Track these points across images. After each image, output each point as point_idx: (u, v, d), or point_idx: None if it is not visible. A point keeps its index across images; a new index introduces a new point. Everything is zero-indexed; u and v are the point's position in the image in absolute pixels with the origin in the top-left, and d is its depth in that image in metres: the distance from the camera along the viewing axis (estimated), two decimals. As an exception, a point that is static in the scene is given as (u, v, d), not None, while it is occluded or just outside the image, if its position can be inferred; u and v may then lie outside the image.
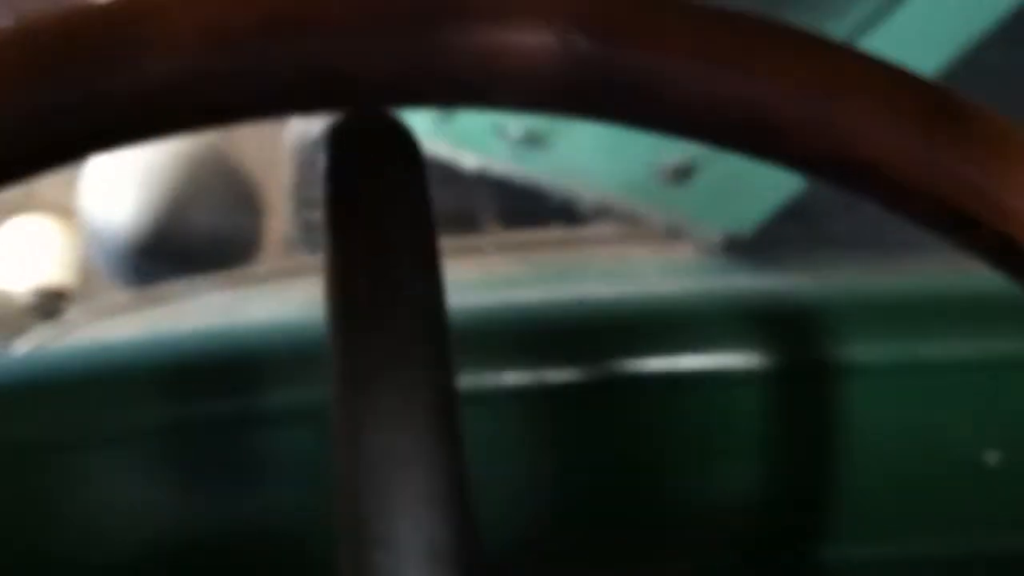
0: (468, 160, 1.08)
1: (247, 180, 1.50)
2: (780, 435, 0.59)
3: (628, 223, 0.88)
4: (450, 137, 1.13)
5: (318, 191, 1.33)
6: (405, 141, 0.36)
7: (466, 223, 1.07)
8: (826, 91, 0.25)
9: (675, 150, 0.88)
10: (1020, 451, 0.60)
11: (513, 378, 0.57)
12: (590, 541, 0.60)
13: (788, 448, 0.59)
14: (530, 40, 0.27)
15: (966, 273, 0.98)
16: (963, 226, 0.28)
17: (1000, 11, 0.80)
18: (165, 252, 1.41)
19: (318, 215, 1.45)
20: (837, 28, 0.80)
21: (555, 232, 0.91)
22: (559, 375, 0.57)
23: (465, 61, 0.27)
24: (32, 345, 0.92)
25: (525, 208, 0.99)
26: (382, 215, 0.35)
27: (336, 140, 0.37)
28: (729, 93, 0.26)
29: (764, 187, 0.81)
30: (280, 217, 1.45)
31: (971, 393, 0.60)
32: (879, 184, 0.28)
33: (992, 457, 0.59)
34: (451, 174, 1.08)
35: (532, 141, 1.03)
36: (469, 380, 0.55)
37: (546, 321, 0.60)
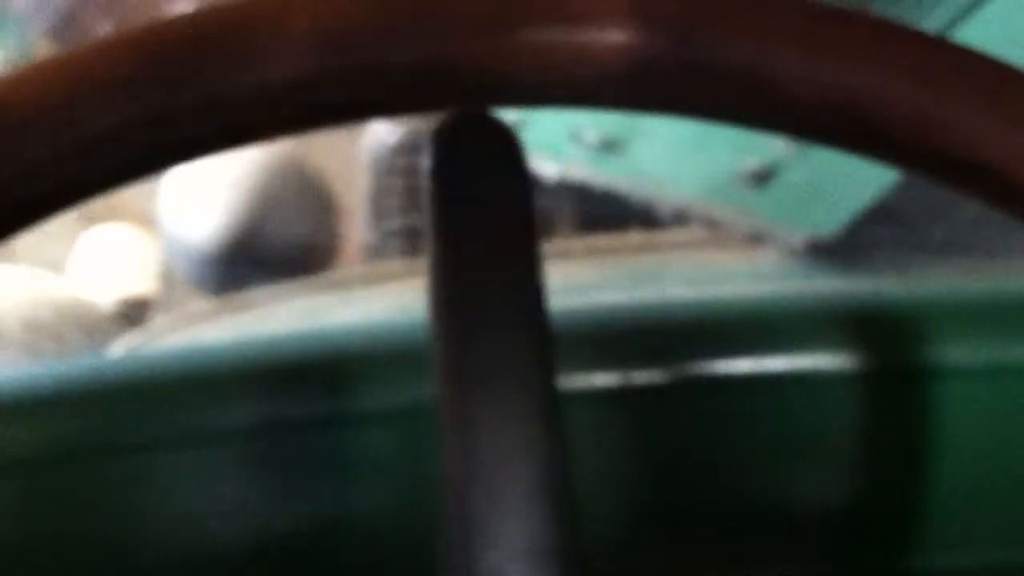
0: (546, 168, 1.08)
1: (325, 188, 1.52)
2: (867, 440, 0.59)
3: (708, 228, 0.88)
4: (527, 144, 1.13)
5: (395, 199, 1.35)
6: (509, 141, 0.37)
7: (546, 230, 1.08)
8: (938, 87, 0.25)
9: (755, 153, 0.88)
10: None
11: (599, 380, 0.57)
12: (672, 547, 0.60)
13: (875, 454, 0.59)
14: (637, 38, 0.28)
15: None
16: None
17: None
18: (246, 259, 1.43)
19: (396, 222, 1.46)
20: (927, 21, 0.80)
21: (634, 237, 0.91)
22: (643, 377, 0.57)
23: (574, 59, 0.28)
24: (121, 351, 0.94)
25: (604, 215, 0.99)
26: (487, 215, 0.36)
27: (441, 139, 0.37)
28: (841, 85, 0.26)
29: (847, 190, 0.81)
30: (358, 225, 1.47)
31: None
32: (991, 185, 0.27)
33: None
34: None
35: (609, 146, 1.03)
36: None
37: (630, 322, 0.60)
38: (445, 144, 0.37)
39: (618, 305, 0.60)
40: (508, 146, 0.37)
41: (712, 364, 0.57)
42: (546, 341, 0.36)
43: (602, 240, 0.94)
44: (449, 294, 0.36)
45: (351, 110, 0.29)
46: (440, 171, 0.37)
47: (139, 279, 1.63)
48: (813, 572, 0.59)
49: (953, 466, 0.58)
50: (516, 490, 0.33)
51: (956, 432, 0.58)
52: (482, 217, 0.36)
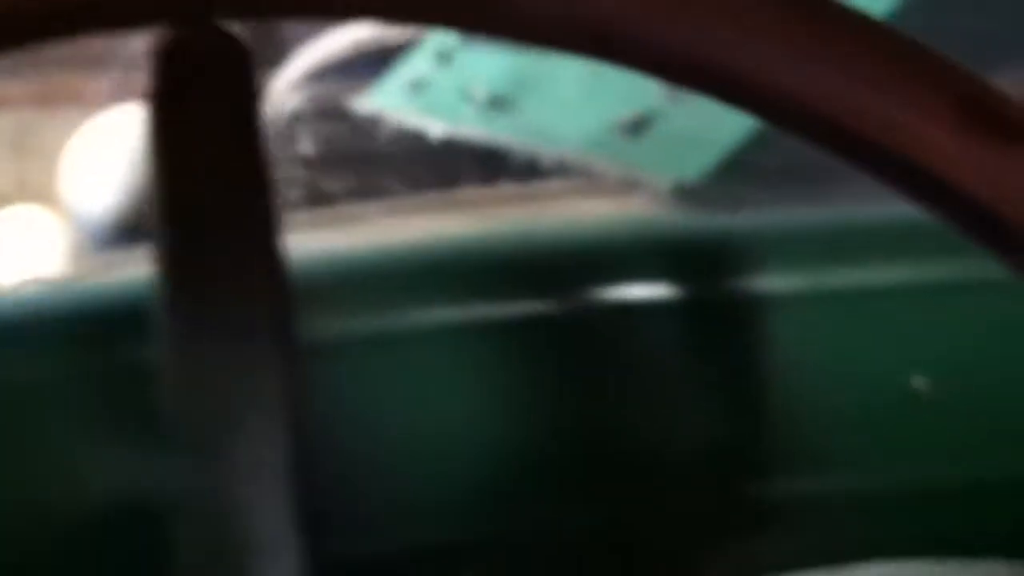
0: (436, 127, 1.08)
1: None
2: (705, 368, 0.59)
3: (584, 178, 0.88)
4: (421, 106, 1.13)
5: (296, 167, 1.34)
6: (236, 56, 0.36)
7: (436, 186, 1.07)
8: (784, 40, 0.25)
9: (631, 104, 0.88)
10: (948, 376, 0.60)
11: (446, 314, 0.57)
12: (538, 484, 0.59)
13: (714, 382, 0.59)
14: None
15: (891, 204, 0.97)
16: (997, 231, 0.27)
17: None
18: (150, 232, 1.42)
19: (301, 192, 1.45)
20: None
21: (506, 189, 0.91)
22: (497, 310, 0.57)
23: None
24: None
25: (491, 171, 0.99)
26: (211, 131, 0.35)
27: (166, 57, 0.36)
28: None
29: (714, 137, 0.81)
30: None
31: (898, 321, 0.59)
32: (840, 139, 0.27)
33: (920, 384, 0.59)
34: (420, 142, 1.08)
35: (498, 103, 1.02)
36: (407, 318, 0.55)
37: (473, 254, 0.60)
38: (170, 61, 0.36)
39: (452, 239, 0.60)
40: (236, 61, 0.36)
41: (547, 297, 0.57)
42: (277, 275, 0.36)
43: (472, 193, 0.94)
44: (174, 206, 0.35)
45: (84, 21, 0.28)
46: (163, 95, 0.36)
47: (48, 258, 1.62)
48: (645, 499, 0.58)
49: (793, 392, 0.58)
50: (243, 411, 0.33)
51: (793, 359, 0.58)
52: (204, 135, 0.35)
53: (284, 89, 1.32)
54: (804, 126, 0.27)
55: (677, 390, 0.58)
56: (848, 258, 0.58)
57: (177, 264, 0.35)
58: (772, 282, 0.57)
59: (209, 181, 0.36)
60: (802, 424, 0.59)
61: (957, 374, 0.60)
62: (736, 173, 0.76)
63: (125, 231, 1.43)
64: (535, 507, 0.60)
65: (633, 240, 0.59)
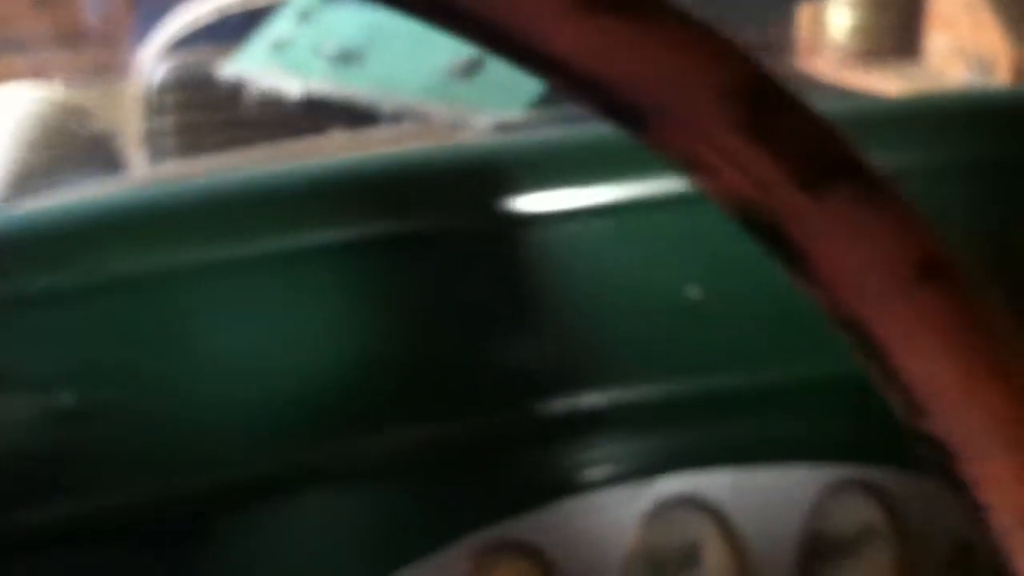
0: (294, 85, 1.08)
1: (106, 133, 1.51)
2: (483, 290, 0.60)
3: (419, 123, 0.89)
4: (280, 65, 1.13)
5: (170, 138, 1.33)
6: None
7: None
8: None
9: (462, 50, 0.88)
10: (720, 283, 0.61)
11: (324, 235, 0.57)
12: (353, 398, 0.60)
13: (499, 305, 0.60)
14: None
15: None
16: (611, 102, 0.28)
17: None
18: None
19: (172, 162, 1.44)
20: None
21: (337, 138, 0.91)
22: (344, 234, 0.57)
23: None
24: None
25: (347, 124, 0.99)
26: None
27: None
28: None
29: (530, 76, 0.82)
30: (139, 167, 1.46)
31: (668, 230, 0.60)
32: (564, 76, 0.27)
33: (694, 292, 0.60)
34: (280, 102, 1.09)
35: (347, 57, 1.03)
36: (277, 241, 0.56)
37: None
38: None
39: (332, 163, 0.60)
40: None
41: (403, 218, 0.57)
42: None
43: (301, 144, 0.95)
44: None
45: None
46: None
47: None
48: (459, 425, 0.59)
49: (567, 308, 0.59)
50: None
51: (568, 275, 0.59)
52: None
53: (151, 58, 1.32)
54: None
55: (469, 313, 0.59)
56: (615, 171, 0.59)
57: None
58: (545, 201, 0.58)
59: None
60: (582, 341, 0.60)
61: (730, 281, 0.61)
62: (555, 108, 0.77)
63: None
64: (356, 430, 0.61)
65: (421, 168, 0.60)
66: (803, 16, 1.38)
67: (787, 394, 0.64)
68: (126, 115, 1.49)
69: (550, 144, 0.61)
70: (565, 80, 0.28)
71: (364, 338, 0.58)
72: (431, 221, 0.59)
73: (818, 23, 1.41)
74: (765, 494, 0.65)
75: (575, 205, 0.59)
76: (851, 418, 0.65)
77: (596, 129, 0.68)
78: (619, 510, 0.64)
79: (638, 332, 0.60)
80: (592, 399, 0.61)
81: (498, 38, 0.28)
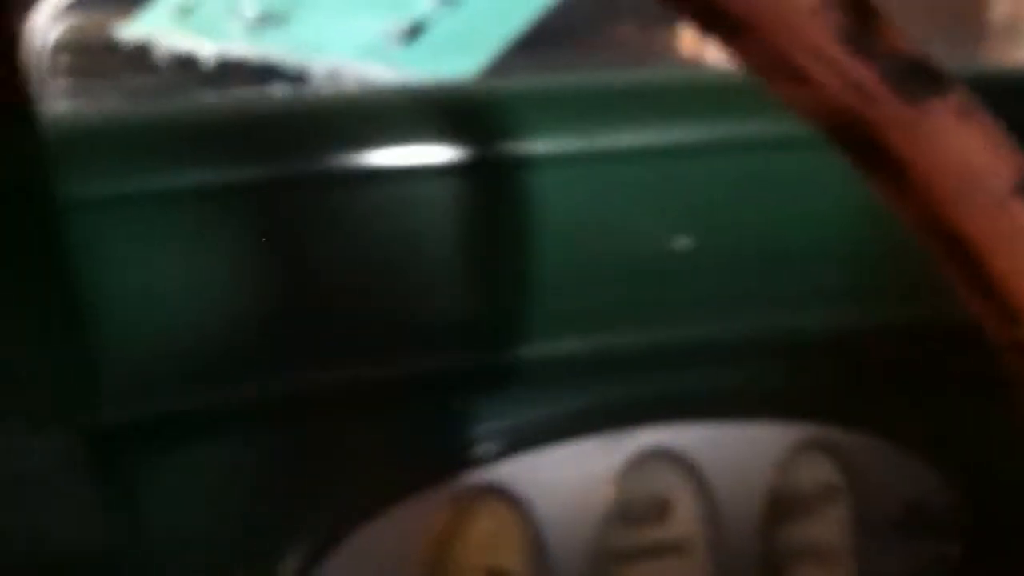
0: (207, 48, 1.06)
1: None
2: (472, 232, 0.59)
3: (359, 85, 0.88)
4: (190, 28, 1.11)
5: (57, 102, 1.27)
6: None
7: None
8: None
9: (404, 12, 0.88)
10: (708, 236, 0.61)
11: (199, 177, 0.55)
12: (290, 346, 0.59)
13: (482, 245, 0.59)
14: None
15: (647, 67, 1.01)
16: None
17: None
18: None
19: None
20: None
21: (276, 94, 0.90)
22: (243, 173, 0.56)
23: None
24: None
25: (264, 86, 0.98)
26: None
27: None
28: None
29: (483, 39, 0.82)
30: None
31: (656, 181, 0.61)
32: None
33: (681, 243, 0.61)
34: (193, 64, 1.06)
35: (268, 20, 1.01)
36: (161, 181, 0.54)
37: (230, 119, 0.58)
38: None
39: (215, 103, 0.59)
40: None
41: (312, 158, 0.56)
42: None
43: (246, 103, 0.92)
44: None
45: None
46: None
47: None
48: (437, 366, 0.59)
49: (555, 254, 0.59)
50: None
51: (554, 221, 0.59)
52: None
53: (42, 21, 1.27)
54: None
55: (440, 255, 0.58)
56: (607, 119, 0.59)
57: None
58: (531, 145, 0.57)
59: None
60: (566, 287, 0.60)
61: (718, 233, 0.62)
62: (504, 72, 0.78)
63: None
64: (290, 371, 0.60)
65: (391, 103, 0.59)
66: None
67: (760, 348, 0.65)
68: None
69: (548, 88, 0.61)
70: None
71: (320, 272, 0.57)
72: (410, 157, 0.58)
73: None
74: (736, 449, 0.66)
75: (566, 150, 0.59)
76: (815, 377, 0.67)
77: (599, 77, 0.69)
78: (596, 460, 0.64)
79: (621, 280, 0.61)
80: (572, 345, 0.61)
81: None
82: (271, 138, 0.56)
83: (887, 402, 0.68)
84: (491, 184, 0.57)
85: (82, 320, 0.44)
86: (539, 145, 0.57)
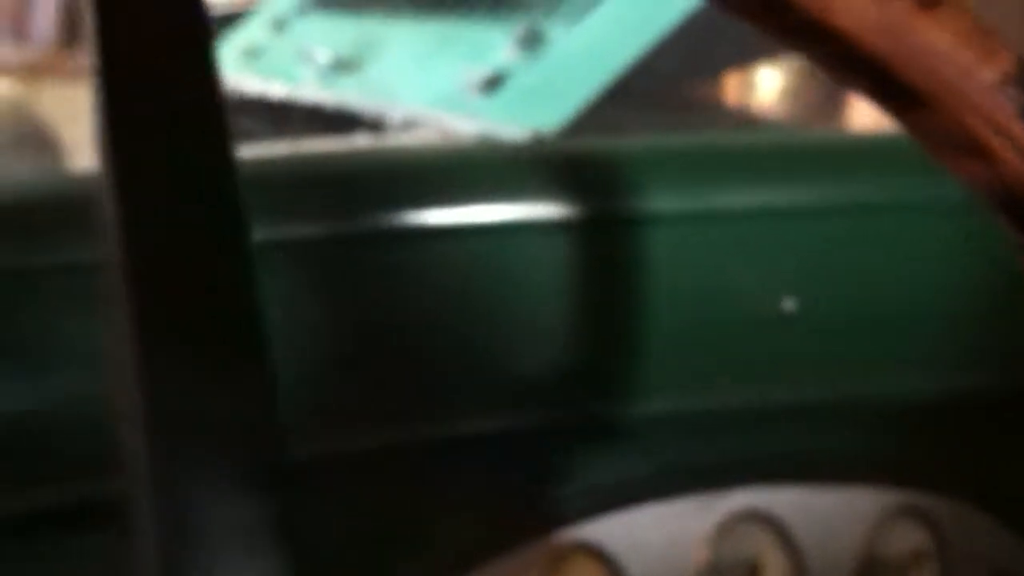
0: (276, 90, 1.06)
1: (51, 133, 1.46)
2: (580, 287, 0.60)
3: (438, 133, 0.88)
4: (258, 70, 1.11)
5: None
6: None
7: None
8: None
9: (482, 62, 0.88)
10: (814, 298, 0.62)
11: (301, 230, 0.56)
12: (388, 405, 0.59)
13: (589, 301, 0.60)
14: None
15: (758, 130, 1.01)
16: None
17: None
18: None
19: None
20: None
21: (360, 141, 0.90)
22: (349, 226, 0.56)
23: None
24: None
25: (339, 130, 0.98)
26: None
27: None
28: None
29: (569, 90, 0.82)
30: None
31: (766, 242, 0.61)
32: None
33: (787, 306, 0.61)
34: (262, 105, 1.07)
35: (341, 66, 1.02)
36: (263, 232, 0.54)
37: (335, 171, 0.59)
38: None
39: (318, 154, 0.59)
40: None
41: (423, 213, 0.57)
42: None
43: (328, 144, 0.93)
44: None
45: None
46: None
47: None
48: (530, 420, 0.59)
49: (665, 311, 0.59)
50: None
51: (665, 279, 0.59)
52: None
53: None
54: None
55: (551, 310, 0.58)
56: (721, 179, 0.59)
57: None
58: (645, 204, 0.58)
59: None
60: (667, 345, 0.60)
61: (825, 296, 0.62)
62: (592, 125, 0.78)
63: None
64: (393, 425, 0.60)
65: (509, 161, 0.59)
66: (730, 80, 1.41)
67: (856, 412, 0.65)
68: (76, 115, 1.44)
69: (663, 147, 0.62)
70: (841, 55, 0.29)
71: (417, 327, 0.57)
72: (523, 213, 0.58)
73: (746, 85, 1.44)
74: (828, 513, 0.65)
75: (680, 209, 0.59)
76: (908, 442, 0.67)
77: (713, 137, 0.69)
78: (689, 520, 0.64)
79: (724, 340, 0.61)
80: (670, 403, 0.61)
81: (781, 6, 0.28)
82: (381, 190, 0.56)
83: (978, 469, 0.68)
84: (601, 241, 0.58)
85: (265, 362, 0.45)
86: (652, 204, 0.58)
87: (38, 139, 1.46)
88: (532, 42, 0.86)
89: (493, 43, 0.87)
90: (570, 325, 0.59)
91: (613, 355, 0.60)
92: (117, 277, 0.41)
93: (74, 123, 1.46)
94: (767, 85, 1.38)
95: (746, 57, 1.02)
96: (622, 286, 0.59)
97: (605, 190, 0.58)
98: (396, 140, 0.88)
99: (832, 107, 1.42)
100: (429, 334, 0.57)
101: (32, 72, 1.75)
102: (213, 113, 0.41)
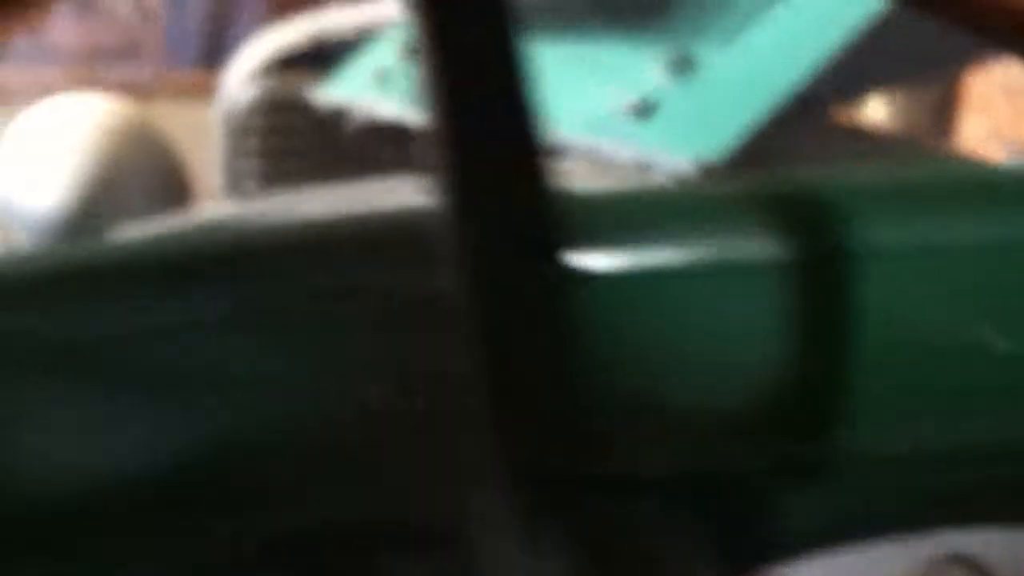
0: (413, 116, 1.06)
1: (173, 152, 1.46)
2: (791, 324, 0.58)
3: (593, 159, 0.87)
4: (392, 95, 1.11)
5: (252, 161, 1.30)
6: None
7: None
8: None
9: (634, 87, 0.87)
10: (1016, 332, 0.60)
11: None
12: (593, 435, 0.58)
13: (799, 338, 0.58)
14: None
15: (976, 160, 0.99)
16: None
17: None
18: (91, 228, 1.37)
19: (252, 186, 1.41)
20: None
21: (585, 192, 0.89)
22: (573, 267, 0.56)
23: None
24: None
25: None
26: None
27: None
28: None
29: (730, 116, 0.81)
30: (213, 192, 1.42)
31: (983, 279, 0.59)
32: None
33: (1001, 345, 0.59)
34: (397, 131, 1.06)
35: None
36: None
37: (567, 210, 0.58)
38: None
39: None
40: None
41: (631, 253, 0.56)
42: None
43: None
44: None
45: None
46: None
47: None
48: (740, 457, 0.58)
49: (876, 349, 0.57)
50: None
51: (876, 315, 0.58)
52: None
53: (238, 79, 1.29)
54: None
55: (759, 349, 0.57)
56: (937, 214, 0.58)
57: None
58: (857, 239, 0.56)
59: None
60: (874, 385, 0.58)
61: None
62: (757, 152, 0.77)
63: (63, 228, 1.38)
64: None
65: (718, 197, 0.58)
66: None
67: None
68: (197, 135, 1.45)
69: (881, 183, 0.60)
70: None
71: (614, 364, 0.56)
72: (734, 252, 0.57)
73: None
74: (1036, 558, 0.63)
75: (894, 244, 0.58)
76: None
77: (926, 169, 0.67)
78: (892, 565, 0.62)
79: (934, 379, 0.59)
80: (874, 443, 0.59)
81: None
82: (607, 230, 0.55)
83: None
84: (812, 278, 0.56)
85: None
86: (869, 239, 0.56)
87: (166, 163, 1.46)
88: (683, 65, 0.84)
89: (641, 67, 0.86)
90: (777, 364, 0.57)
91: (820, 394, 0.58)
92: (458, 308, 0.42)
93: (195, 143, 1.47)
94: (873, 107, 1.36)
95: (893, 78, 1.00)
96: (829, 325, 0.57)
97: (820, 225, 0.57)
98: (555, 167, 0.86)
99: (939, 129, 1.39)
100: (641, 370, 0.56)
101: (145, 92, 1.76)
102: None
